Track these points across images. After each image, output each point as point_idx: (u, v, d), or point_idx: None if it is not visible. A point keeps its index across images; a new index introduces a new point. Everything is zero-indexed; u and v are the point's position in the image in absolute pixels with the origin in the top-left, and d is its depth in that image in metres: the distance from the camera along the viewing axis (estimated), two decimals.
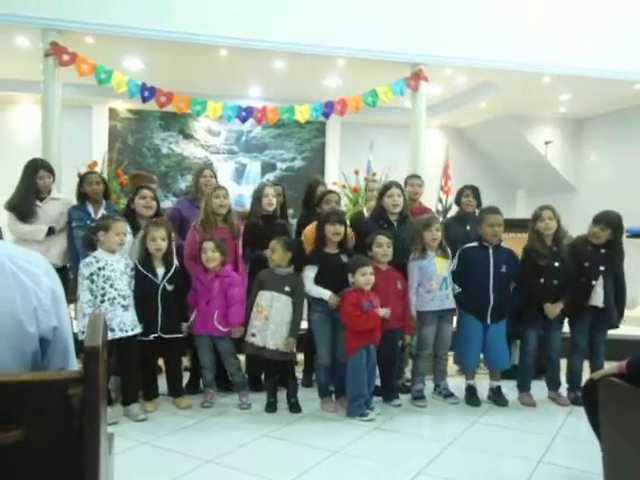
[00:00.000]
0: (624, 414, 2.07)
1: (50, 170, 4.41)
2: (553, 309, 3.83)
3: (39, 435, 1.02)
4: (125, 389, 3.53)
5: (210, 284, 3.69)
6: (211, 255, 3.66)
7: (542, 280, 3.84)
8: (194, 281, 3.77)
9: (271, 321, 3.55)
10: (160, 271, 3.65)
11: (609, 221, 3.84)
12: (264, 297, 3.59)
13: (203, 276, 3.72)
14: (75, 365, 1.30)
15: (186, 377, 3.99)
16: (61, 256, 4.31)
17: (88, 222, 4.20)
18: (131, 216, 3.88)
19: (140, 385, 3.61)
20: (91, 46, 5.96)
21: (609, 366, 2.43)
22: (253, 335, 3.57)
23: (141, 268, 3.61)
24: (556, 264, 3.83)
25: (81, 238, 4.04)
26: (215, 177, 4.47)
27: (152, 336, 3.56)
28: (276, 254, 3.64)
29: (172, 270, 3.67)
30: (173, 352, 3.73)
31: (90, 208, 4.30)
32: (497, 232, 3.88)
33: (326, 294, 3.62)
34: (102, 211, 4.29)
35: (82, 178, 4.39)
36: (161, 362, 3.96)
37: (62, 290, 1.28)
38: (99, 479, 1.00)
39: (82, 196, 4.34)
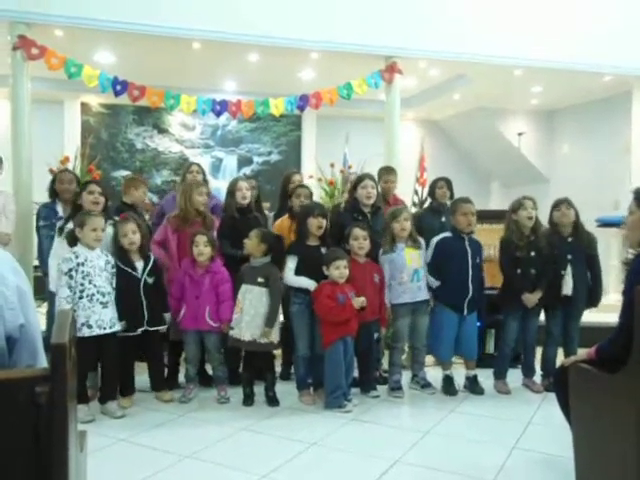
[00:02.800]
0: (593, 399, 2.12)
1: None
2: (531, 298, 3.89)
3: (6, 434, 1.01)
4: (103, 387, 3.50)
5: (200, 279, 3.70)
6: (202, 249, 3.67)
7: (519, 270, 3.90)
8: (181, 275, 3.76)
9: (245, 313, 3.59)
10: (139, 265, 3.65)
11: (569, 201, 3.97)
12: (241, 290, 3.65)
13: (192, 270, 3.73)
14: (44, 363, 1.28)
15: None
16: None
17: (54, 221, 4.20)
18: (77, 211, 3.81)
19: (118, 383, 3.59)
20: (61, 39, 5.85)
21: (581, 352, 2.49)
22: (231, 328, 3.62)
23: (120, 264, 3.59)
24: (532, 254, 3.89)
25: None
26: (203, 173, 4.55)
27: (140, 330, 3.56)
28: (250, 242, 3.68)
29: (150, 263, 3.67)
30: (156, 345, 3.73)
31: (59, 207, 4.31)
32: (471, 221, 3.91)
33: (310, 284, 3.64)
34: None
35: (56, 175, 4.40)
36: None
37: (30, 287, 1.26)
38: (68, 477, 0.99)
39: (54, 194, 4.35)
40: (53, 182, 4.38)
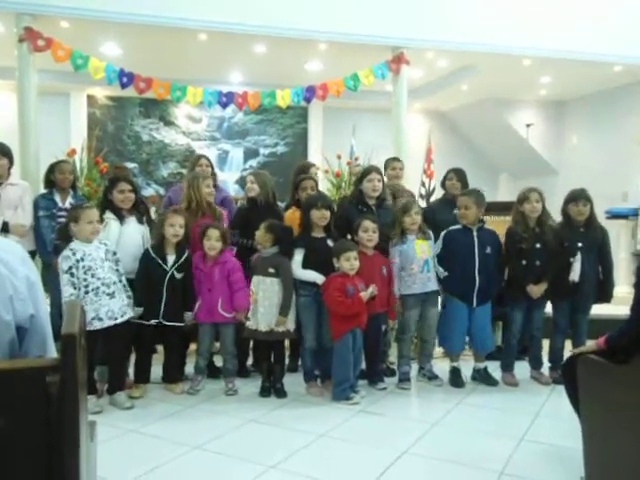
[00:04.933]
0: (603, 390, 2.11)
1: (5, 154, 4.29)
2: (536, 290, 3.87)
3: (17, 424, 1.01)
4: (111, 377, 3.50)
5: (210, 271, 3.71)
6: (214, 243, 3.67)
7: (524, 262, 3.88)
8: (193, 269, 3.76)
9: (260, 304, 3.61)
10: (170, 258, 3.65)
11: (587, 196, 3.94)
12: (253, 282, 3.67)
13: (202, 264, 3.73)
14: (54, 353, 1.29)
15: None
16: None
17: (54, 211, 4.23)
18: (110, 207, 3.84)
19: (126, 373, 3.61)
20: (67, 31, 5.84)
21: (590, 343, 2.47)
22: (247, 319, 3.65)
23: (152, 253, 3.62)
24: (538, 245, 3.87)
25: (56, 230, 4.01)
26: (211, 165, 4.55)
27: (153, 321, 3.57)
28: (259, 233, 3.70)
29: (183, 258, 3.67)
30: (172, 339, 3.74)
31: (57, 197, 4.30)
32: (462, 214, 3.89)
33: (318, 278, 3.64)
34: (69, 199, 4.31)
35: (53, 166, 4.35)
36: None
37: (38, 277, 1.26)
38: (79, 467, 0.99)
39: (50, 184, 4.32)
40: (50, 172, 4.33)
